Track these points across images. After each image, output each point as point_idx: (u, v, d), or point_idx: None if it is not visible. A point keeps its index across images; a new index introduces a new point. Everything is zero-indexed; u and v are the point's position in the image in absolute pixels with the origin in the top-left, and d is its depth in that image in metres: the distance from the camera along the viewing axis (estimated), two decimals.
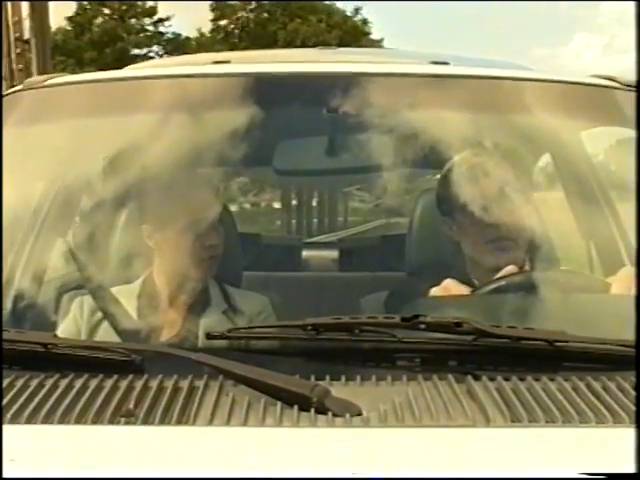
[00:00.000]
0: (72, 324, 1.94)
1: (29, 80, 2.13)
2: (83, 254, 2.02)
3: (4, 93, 2.07)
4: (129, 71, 2.42)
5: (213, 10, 36.53)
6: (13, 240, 2.23)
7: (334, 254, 3.64)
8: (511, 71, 2.21)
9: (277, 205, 9.09)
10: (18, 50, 10.42)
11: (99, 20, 34.98)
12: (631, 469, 1.03)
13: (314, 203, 7.73)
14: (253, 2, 35.92)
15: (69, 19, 29.25)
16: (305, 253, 3.68)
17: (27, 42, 10.54)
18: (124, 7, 35.60)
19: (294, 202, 7.43)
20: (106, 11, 35.53)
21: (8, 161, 1.84)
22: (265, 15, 35.67)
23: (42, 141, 2.06)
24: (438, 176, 2.16)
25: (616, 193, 2.37)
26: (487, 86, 2.06)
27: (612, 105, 2.13)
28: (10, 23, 10.46)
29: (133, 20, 36.08)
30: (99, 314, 1.91)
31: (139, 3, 35.89)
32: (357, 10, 36.87)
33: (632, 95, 2.06)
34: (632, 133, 1.91)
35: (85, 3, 34.38)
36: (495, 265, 1.86)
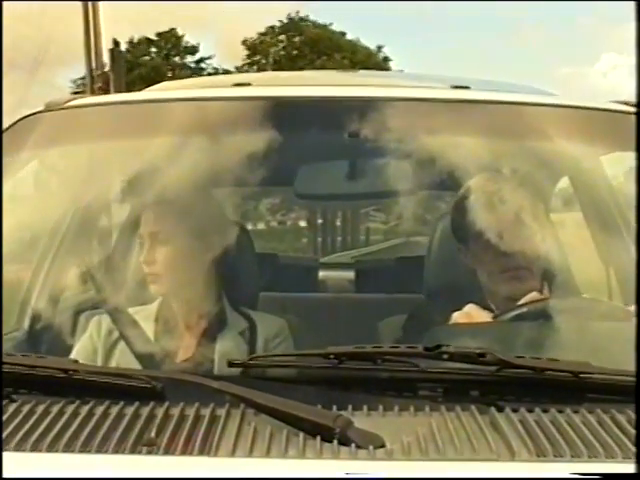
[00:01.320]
0: (89, 343, 1.94)
1: (50, 101, 2.13)
2: (101, 274, 2.02)
3: (28, 113, 2.07)
4: (149, 93, 2.42)
5: (248, 48, 39.40)
6: (31, 260, 2.23)
7: (351, 275, 3.63)
8: (531, 96, 2.20)
9: (291, 223, 9.23)
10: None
11: (147, 58, 38.24)
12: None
13: (337, 222, 7.77)
14: (285, 40, 38.58)
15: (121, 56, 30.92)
16: (322, 274, 3.68)
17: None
18: (169, 46, 39.17)
19: (312, 221, 7.47)
20: (153, 49, 39.22)
21: (27, 182, 1.85)
22: (295, 52, 37.06)
23: (61, 162, 2.06)
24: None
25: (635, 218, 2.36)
26: (507, 111, 2.06)
27: (629, 130, 2.12)
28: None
29: (177, 58, 39.24)
30: (116, 334, 1.91)
31: (181, 43, 39.50)
32: (380, 48, 39.24)
33: None
34: None
35: (135, 41, 38.01)
36: (511, 294, 1.85)
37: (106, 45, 15.77)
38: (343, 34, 38.93)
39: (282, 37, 39.25)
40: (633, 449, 1.14)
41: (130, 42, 36.73)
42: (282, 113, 1.92)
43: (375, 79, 2.53)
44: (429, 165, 1.87)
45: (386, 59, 39.68)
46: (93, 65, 16.15)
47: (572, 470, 1.11)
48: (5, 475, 1.08)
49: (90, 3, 15.55)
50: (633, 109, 2.12)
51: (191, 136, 1.94)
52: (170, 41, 39.11)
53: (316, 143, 2.41)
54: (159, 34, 39.01)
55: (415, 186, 1.96)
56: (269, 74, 2.74)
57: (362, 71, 3.05)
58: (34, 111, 2.07)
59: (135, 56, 36.08)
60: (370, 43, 39.48)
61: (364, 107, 1.95)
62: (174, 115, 2.03)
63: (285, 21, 39.46)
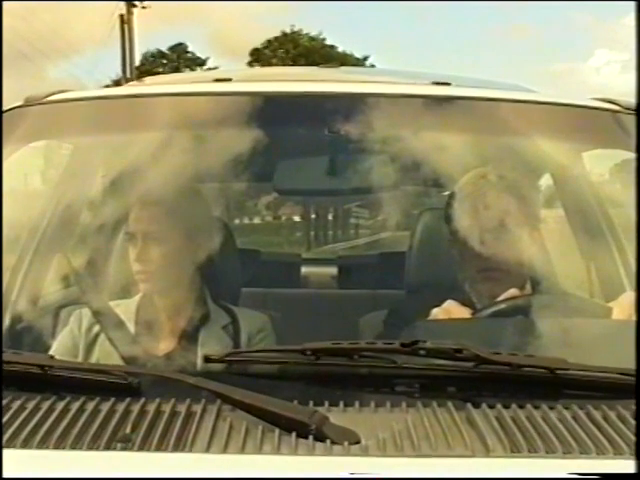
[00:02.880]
0: (69, 338, 1.93)
1: (30, 96, 2.11)
2: (82, 269, 2.01)
3: (7, 108, 2.05)
4: (129, 88, 2.41)
5: (251, 55, 41.01)
6: (11, 256, 2.22)
7: (333, 271, 3.63)
8: (512, 93, 2.20)
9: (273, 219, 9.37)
10: None
11: (160, 69, 39.67)
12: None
13: (320, 218, 7.90)
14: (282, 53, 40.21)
15: (137, 68, 31.85)
16: (304, 270, 3.68)
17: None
18: (181, 60, 41.65)
19: (294, 217, 7.56)
20: (164, 61, 41.63)
21: (5, 178, 1.84)
22: (290, 63, 38.46)
23: (41, 158, 2.05)
24: (434, 196, 2.16)
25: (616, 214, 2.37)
26: (487, 108, 2.06)
27: (612, 128, 2.12)
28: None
29: (187, 69, 40.53)
30: (97, 328, 1.90)
31: (189, 55, 42.23)
32: (365, 58, 40.31)
33: (632, 118, 2.05)
34: (630, 156, 1.91)
35: (149, 55, 40.74)
36: (492, 292, 1.85)
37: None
38: (333, 47, 40.71)
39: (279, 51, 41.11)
40: (608, 445, 1.14)
41: (144, 54, 39.52)
42: (262, 108, 1.92)
43: (356, 75, 2.53)
44: (409, 161, 1.87)
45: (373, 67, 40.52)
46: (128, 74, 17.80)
47: (547, 466, 1.11)
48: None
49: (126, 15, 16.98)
50: (615, 107, 2.13)
51: (170, 131, 1.94)
52: (182, 56, 41.75)
53: (296, 138, 2.41)
54: (170, 48, 41.76)
55: (396, 182, 1.96)
56: (250, 70, 2.72)
57: (344, 67, 3.04)
58: (13, 106, 2.05)
59: (149, 68, 37.67)
60: (359, 54, 40.79)
61: (344, 103, 1.95)
62: (154, 110, 2.03)
63: (280, 35, 41.46)
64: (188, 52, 42.20)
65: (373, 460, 1.12)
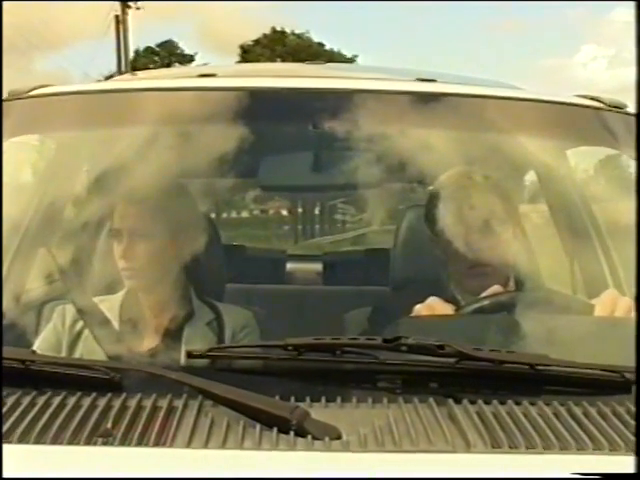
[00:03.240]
0: (52, 333, 1.92)
1: (13, 89, 2.10)
2: (66, 264, 2.00)
3: None
4: (112, 83, 2.40)
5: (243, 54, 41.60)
6: None
7: (318, 267, 3.63)
8: (497, 89, 2.21)
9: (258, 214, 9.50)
10: None
11: (152, 66, 40.30)
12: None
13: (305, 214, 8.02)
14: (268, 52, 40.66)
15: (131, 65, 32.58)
16: (289, 266, 3.68)
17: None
18: (171, 56, 42.46)
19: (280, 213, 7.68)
20: (155, 58, 42.10)
21: None
22: (278, 60, 38.69)
23: (22, 153, 2.04)
24: (418, 192, 2.16)
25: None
26: (472, 104, 2.06)
27: (595, 125, 2.13)
28: None
29: (177, 64, 41.04)
30: (81, 324, 1.89)
31: (178, 52, 43.15)
32: (354, 57, 40.56)
33: (615, 115, 2.06)
34: (613, 152, 1.92)
35: (140, 51, 41.16)
36: (476, 288, 1.86)
37: None
38: (321, 45, 41.36)
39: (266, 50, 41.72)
40: (588, 441, 1.15)
41: (136, 52, 39.59)
42: (246, 104, 1.91)
43: (341, 72, 2.52)
44: (393, 158, 1.87)
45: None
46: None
47: (527, 462, 1.12)
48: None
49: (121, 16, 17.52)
50: (598, 104, 2.13)
51: (155, 126, 1.93)
52: (172, 53, 42.55)
53: (280, 134, 2.41)
54: (159, 44, 42.81)
55: (379, 179, 1.96)
56: (235, 66, 2.71)
57: (329, 64, 3.04)
58: None
59: (141, 64, 38.29)
60: (348, 52, 41.06)
61: (329, 99, 1.95)
62: (138, 105, 2.02)
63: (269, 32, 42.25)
64: (177, 48, 42.91)
65: (354, 456, 1.12)
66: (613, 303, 1.67)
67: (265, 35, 41.97)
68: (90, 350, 1.82)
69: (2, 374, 1.30)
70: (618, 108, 2.09)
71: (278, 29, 41.88)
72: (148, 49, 42.12)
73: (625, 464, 1.08)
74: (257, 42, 41.76)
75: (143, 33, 49.34)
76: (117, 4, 24.86)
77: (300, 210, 7.84)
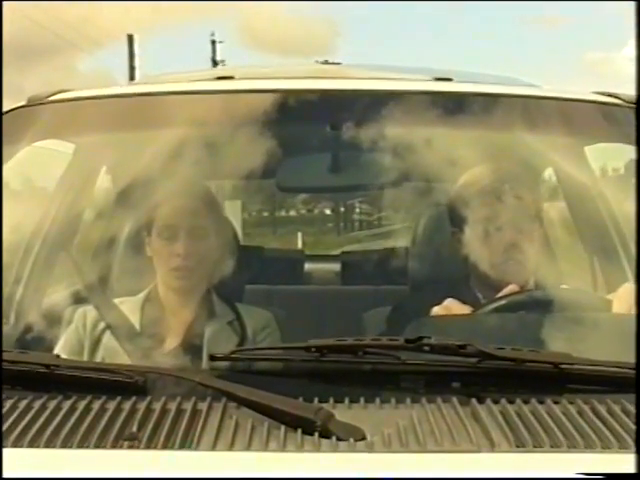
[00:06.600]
0: (74, 336, 1.93)
1: (33, 95, 2.12)
2: (87, 267, 2.01)
3: (7, 110, 2.06)
4: (132, 87, 2.41)
5: None
6: (15, 256, 2.22)
7: (337, 267, 3.63)
8: (514, 88, 2.21)
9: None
10: None
11: None
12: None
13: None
14: None
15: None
16: (307, 266, 3.68)
17: None
18: None
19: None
20: None
21: (10, 177, 1.84)
22: None
23: (44, 158, 2.05)
24: (439, 191, 2.17)
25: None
26: (489, 103, 2.06)
27: (612, 122, 2.12)
28: None
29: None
30: (102, 326, 1.90)
31: None
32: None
33: (633, 112, 2.05)
34: (630, 149, 1.91)
35: None
36: (502, 281, 1.85)
37: None
38: None
39: None
40: (613, 439, 1.15)
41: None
42: (264, 106, 1.92)
43: (359, 71, 2.52)
44: (411, 157, 1.87)
45: None
46: None
47: (552, 460, 1.12)
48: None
49: None
50: (616, 100, 2.13)
51: (174, 129, 1.94)
52: None
53: (298, 136, 2.41)
54: None
55: (396, 179, 1.97)
56: (252, 67, 2.71)
57: (345, 63, 3.04)
58: (16, 106, 2.06)
59: None
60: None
61: (347, 100, 1.95)
62: (157, 109, 2.03)
63: None
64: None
65: (378, 456, 1.13)
66: (630, 297, 1.67)
67: None
68: (112, 352, 1.83)
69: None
70: (636, 104, 2.08)
71: None
72: None
73: None
74: None
75: None
76: None
77: (342, 209, 8.19)
